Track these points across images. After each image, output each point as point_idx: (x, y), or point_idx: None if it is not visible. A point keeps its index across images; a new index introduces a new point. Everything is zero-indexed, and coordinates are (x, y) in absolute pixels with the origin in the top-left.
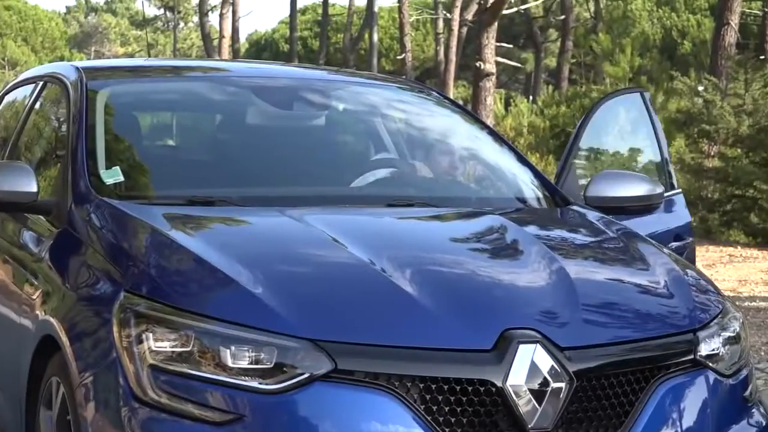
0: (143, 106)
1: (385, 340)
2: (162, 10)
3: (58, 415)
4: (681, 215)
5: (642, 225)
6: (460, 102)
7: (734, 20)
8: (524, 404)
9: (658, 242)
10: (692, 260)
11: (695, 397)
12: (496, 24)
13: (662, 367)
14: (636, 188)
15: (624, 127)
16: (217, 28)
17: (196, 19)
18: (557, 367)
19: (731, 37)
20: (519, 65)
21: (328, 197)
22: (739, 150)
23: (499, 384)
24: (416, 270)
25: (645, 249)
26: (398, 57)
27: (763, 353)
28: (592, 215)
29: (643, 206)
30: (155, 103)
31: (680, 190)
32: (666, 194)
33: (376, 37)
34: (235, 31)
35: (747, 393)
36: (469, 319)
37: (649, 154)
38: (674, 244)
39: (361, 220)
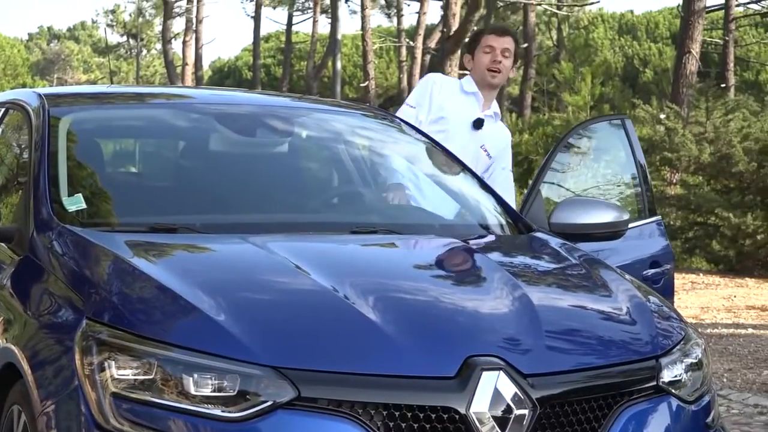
0: (106, 133)
1: (348, 367)
2: (125, 38)
3: None
4: (659, 242)
5: (619, 252)
6: None
7: (695, 49)
8: (487, 431)
9: (632, 270)
10: (671, 288)
11: (658, 424)
12: (459, 52)
13: (625, 393)
14: (601, 215)
15: (603, 154)
16: (180, 56)
17: (159, 46)
18: (520, 394)
19: (692, 65)
20: None
21: (291, 224)
22: (700, 177)
23: (462, 411)
24: (379, 297)
25: (607, 276)
26: (362, 84)
27: (725, 380)
28: (555, 242)
29: (609, 233)
30: (118, 130)
31: (659, 216)
32: (645, 221)
33: (339, 65)
34: (198, 58)
35: (709, 419)
36: (432, 346)
37: (628, 181)
38: (651, 271)
39: (324, 247)
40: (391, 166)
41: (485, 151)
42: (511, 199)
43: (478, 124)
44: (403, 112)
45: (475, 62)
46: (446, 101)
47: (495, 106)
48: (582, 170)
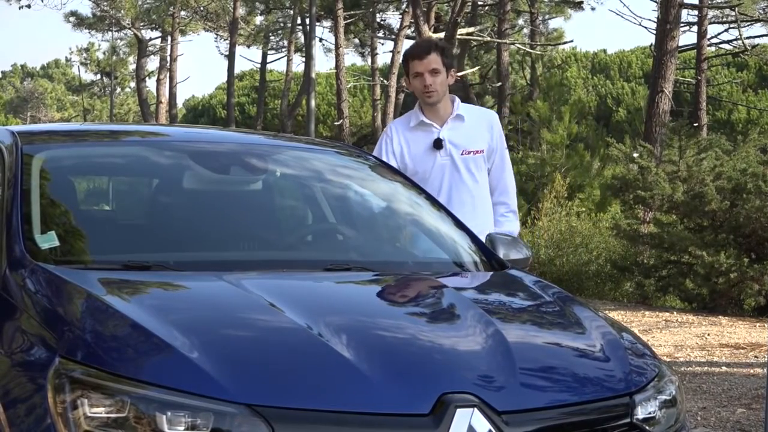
0: (79, 171)
1: (322, 404)
2: (99, 76)
3: None
4: None
5: None
6: None
7: (668, 88)
8: None
9: None
10: None
11: None
12: None
13: (599, 430)
14: (521, 251)
15: None
16: (155, 94)
17: (133, 84)
18: (494, 431)
19: (665, 104)
20: None
21: (265, 262)
22: (674, 216)
23: None
24: (353, 334)
25: (581, 313)
26: (336, 123)
27: (699, 418)
28: (529, 279)
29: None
30: (91, 168)
31: None
32: None
33: (313, 103)
34: (172, 96)
35: None
36: (406, 384)
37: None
38: None
39: (298, 284)
40: (364, 204)
41: (470, 152)
42: (510, 181)
43: (437, 144)
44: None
45: (412, 88)
46: (405, 152)
47: (457, 107)
48: None
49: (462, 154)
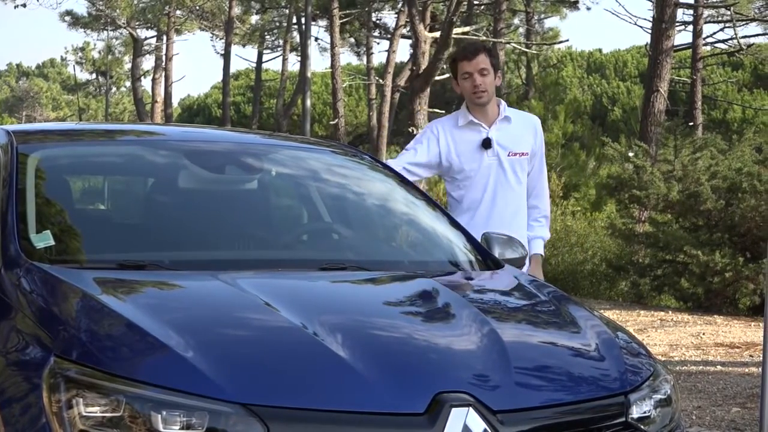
0: (75, 170)
1: (317, 404)
2: (94, 75)
3: None
4: None
5: None
6: None
7: (663, 87)
8: None
9: None
10: None
11: None
12: (428, 90)
13: (594, 429)
14: (517, 251)
15: None
16: (150, 93)
17: (128, 83)
18: (490, 430)
19: (660, 103)
20: None
21: (260, 261)
22: (669, 215)
23: None
24: (349, 334)
25: (576, 312)
26: (331, 122)
27: (694, 417)
28: (524, 278)
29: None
30: (87, 167)
31: None
32: None
33: (309, 103)
34: (167, 95)
35: None
36: (401, 383)
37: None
38: None
39: (293, 284)
40: (360, 203)
41: (515, 154)
42: (546, 186)
43: (486, 144)
44: (401, 154)
45: (461, 89)
46: (452, 150)
47: (504, 109)
48: None
49: (508, 156)
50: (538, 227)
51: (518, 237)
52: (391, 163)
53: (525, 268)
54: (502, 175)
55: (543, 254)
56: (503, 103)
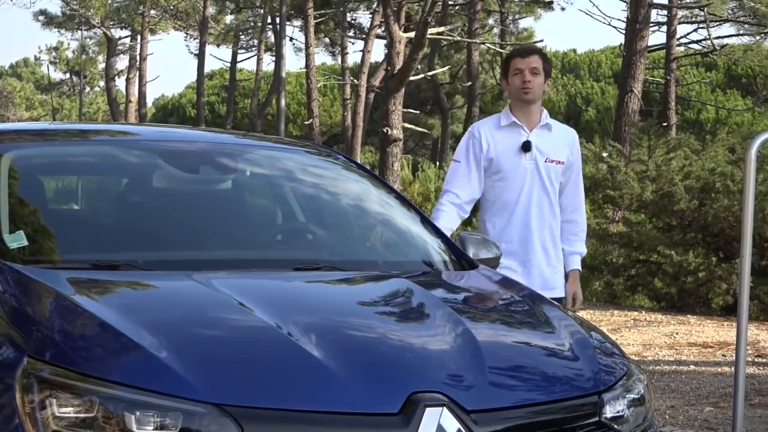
0: (48, 170)
1: (291, 404)
2: (68, 75)
3: None
4: None
5: None
6: (368, 167)
7: (637, 88)
8: None
9: None
10: None
11: None
12: (402, 90)
13: (567, 429)
14: (491, 251)
15: None
16: (124, 93)
17: (102, 83)
18: (464, 430)
19: (634, 104)
20: (426, 131)
21: (234, 261)
22: (643, 215)
23: None
24: (323, 334)
25: (550, 312)
26: (306, 122)
27: (668, 416)
28: (498, 278)
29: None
30: (60, 167)
31: None
32: None
33: (283, 103)
34: (141, 95)
35: None
36: (375, 383)
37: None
38: None
39: (267, 284)
40: (334, 203)
41: (553, 161)
42: (583, 200)
43: (526, 147)
44: (451, 167)
45: (510, 85)
46: (491, 149)
47: (545, 117)
48: None
49: (546, 162)
50: (577, 242)
51: (554, 244)
52: (447, 207)
53: (561, 283)
54: (537, 180)
55: (580, 269)
56: (545, 111)
